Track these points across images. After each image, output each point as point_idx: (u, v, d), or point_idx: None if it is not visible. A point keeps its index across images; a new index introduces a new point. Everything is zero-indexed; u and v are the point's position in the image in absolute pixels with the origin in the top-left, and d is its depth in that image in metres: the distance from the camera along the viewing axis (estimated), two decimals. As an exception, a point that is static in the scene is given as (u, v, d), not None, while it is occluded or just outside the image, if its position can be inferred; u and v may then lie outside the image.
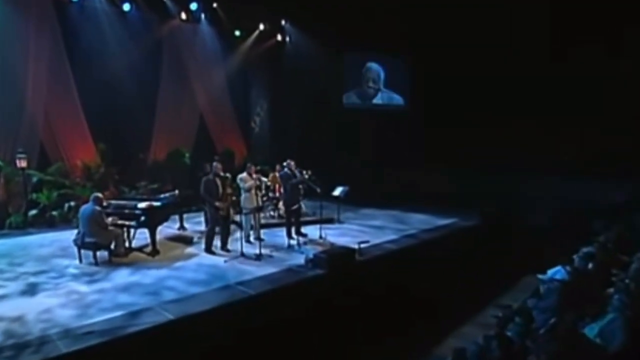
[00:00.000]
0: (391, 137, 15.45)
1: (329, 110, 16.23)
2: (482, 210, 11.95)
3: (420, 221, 11.91)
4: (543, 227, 11.75)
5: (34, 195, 11.33)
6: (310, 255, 8.10)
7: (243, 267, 7.99)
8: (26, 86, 11.40)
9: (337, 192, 10.96)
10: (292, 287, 7.24)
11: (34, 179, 11.42)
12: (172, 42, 14.37)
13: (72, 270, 7.82)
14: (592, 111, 12.49)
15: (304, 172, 9.79)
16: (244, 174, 9.45)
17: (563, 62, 12.63)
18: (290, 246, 9.19)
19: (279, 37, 16.70)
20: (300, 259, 8.24)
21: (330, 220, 11.13)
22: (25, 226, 10.89)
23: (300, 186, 9.75)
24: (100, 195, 8.24)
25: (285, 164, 9.87)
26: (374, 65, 16.30)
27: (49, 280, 7.35)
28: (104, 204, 8.67)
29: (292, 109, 16.62)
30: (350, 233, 10.52)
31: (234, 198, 9.30)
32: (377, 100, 16.50)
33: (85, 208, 8.08)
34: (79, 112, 12.44)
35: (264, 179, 10.30)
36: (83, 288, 6.96)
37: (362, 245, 8.80)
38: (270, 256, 8.59)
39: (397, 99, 16.40)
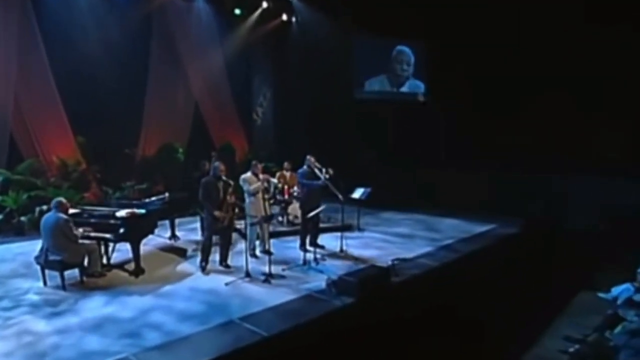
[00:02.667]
0: (410, 131, 13.86)
1: (342, 100, 14.58)
2: (524, 215, 10.56)
3: (453, 228, 10.39)
4: (588, 233, 10.45)
5: (0, 198, 9.70)
6: (333, 277, 6.56)
7: (249, 292, 6.42)
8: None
9: (357, 194, 9.37)
10: (315, 323, 5.57)
11: (0, 179, 9.77)
12: (162, 21, 12.80)
13: (32, 297, 6.25)
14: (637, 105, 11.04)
15: (324, 170, 8.09)
16: (248, 174, 7.81)
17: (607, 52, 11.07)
18: (305, 262, 7.53)
19: (285, 17, 15.13)
20: (319, 280, 6.72)
21: (348, 228, 9.51)
22: (-11, 234, 9.32)
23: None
24: (63, 200, 6.60)
25: (306, 160, 8.21)
26: (405, 49, 14.70)
27: (-2, 312, 5.76)
28: (75, 210, 7.15)
29: (300, 99, 15.06)
30: (374, 244, 9.01)
31: (236, 210, 7.66)
32: (404, 89, 14.91)
33: (47, 217, 6.45)
34: (55, 100, 10.91)
35: (273, 180, 8.59)
36: (41, 325, 5.38)
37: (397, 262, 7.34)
38: (282, 276, 7.01)
39: (420, 87, 14.81)
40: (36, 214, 9.67)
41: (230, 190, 7.22)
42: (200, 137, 13.50)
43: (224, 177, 7.13)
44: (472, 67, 12.67)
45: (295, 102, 15.20)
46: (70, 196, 9.94)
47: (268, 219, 7.65)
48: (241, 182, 7.79)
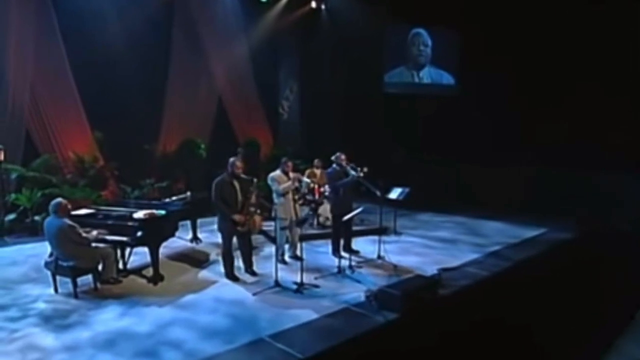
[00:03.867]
0: (444, 126, 12.98)
1: (374, 93, 13.83)
2: (572, 215, 9.71)
3: (498, 232, 9.56)
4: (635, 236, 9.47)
5: (13, 196, 9.19)
6: (373, 288, 5.92)
7: (279, 304, 5.74)
8: (7, 62, 9.54)
9: (395, 194, 8.63)
10: (356, 342, 4.85)
11: (13, 176, 9.29)
12: (184, 9, 12.28)
13: (41, 306, 5.70)
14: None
15: (359, 169, 7.34)
16: (278, 173, 7.13)
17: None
18: (340, 270, 6.81)
19: (314, 4, 14.48)
20: (356, 291, 6.06)
21: (384, 231, 8.76)
22: (2, 234, 8.78)
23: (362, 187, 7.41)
24: (62, 201, 5.94)
25: (333, 157, 7.51)
26: (421, 31, 13.89)
27: (4, 323, 5.18)
28: (89, 210, 6.68)
29: (329, 92, 14.34)
30: (413, 249, 8.25)
31: (257, 211, 6.94)
32: (424, 75, 14.03)
33: (49, 223, 5.83)
34: (72, 93, 10.49)
35: (305, 179, 7.85)
36: (48, 340, 4.81)
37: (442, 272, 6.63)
38: (315, 285, 6.31)
39: (447, 78, 13.90)
40: (51, 213, 9.23)
41: (251, 189, 6.53)
42: (223, 132, 12.97)
43: (242, 175, 6.43)
44: (509, 56, 11.74)
45: (324, 95, 14.48)
46: (87, 194, 9.52)
47: (301, 222, 6.91)
48: (270, 182, 7.13)
